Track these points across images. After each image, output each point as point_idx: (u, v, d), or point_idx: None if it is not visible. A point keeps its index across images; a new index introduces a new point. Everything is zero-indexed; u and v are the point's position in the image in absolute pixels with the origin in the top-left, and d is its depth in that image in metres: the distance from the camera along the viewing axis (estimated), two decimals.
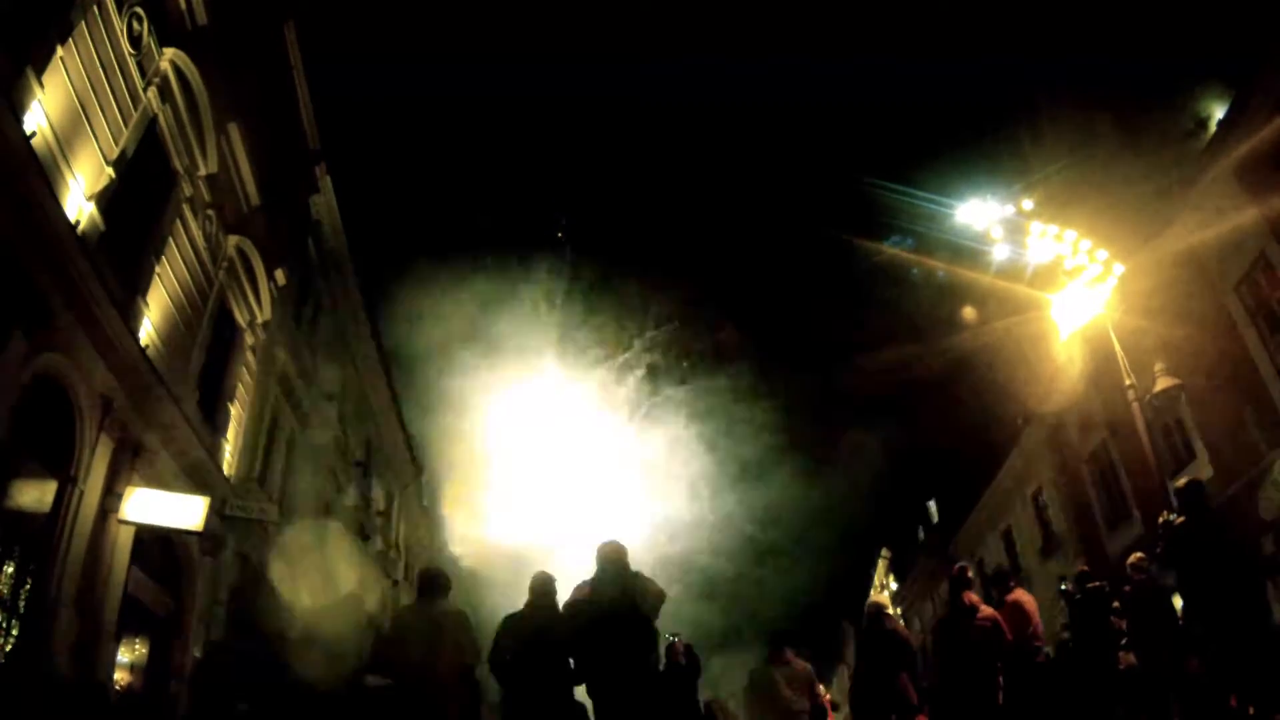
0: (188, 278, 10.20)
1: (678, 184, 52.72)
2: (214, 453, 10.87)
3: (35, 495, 7.26)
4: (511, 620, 5.21)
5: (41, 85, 6.61)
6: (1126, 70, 16.43)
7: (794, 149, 52.23)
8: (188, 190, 9.93)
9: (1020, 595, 7.34)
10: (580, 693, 5.12)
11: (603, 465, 25.14)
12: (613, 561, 5.13)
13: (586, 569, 5.27)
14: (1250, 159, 10.70)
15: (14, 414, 6.51)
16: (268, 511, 11.50)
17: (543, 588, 5.23)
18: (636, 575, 5.11)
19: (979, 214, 10.72)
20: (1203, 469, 12.31)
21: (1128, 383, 9.59)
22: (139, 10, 8.30)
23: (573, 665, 4.94)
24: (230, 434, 11.85)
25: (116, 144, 8.03)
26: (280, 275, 13.47)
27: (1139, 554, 7.40)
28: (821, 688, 9.84)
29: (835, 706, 13.57)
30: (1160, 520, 7.27)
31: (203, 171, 10.34)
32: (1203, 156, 11.96)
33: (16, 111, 6.21)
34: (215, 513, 9.62)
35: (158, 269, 9.29)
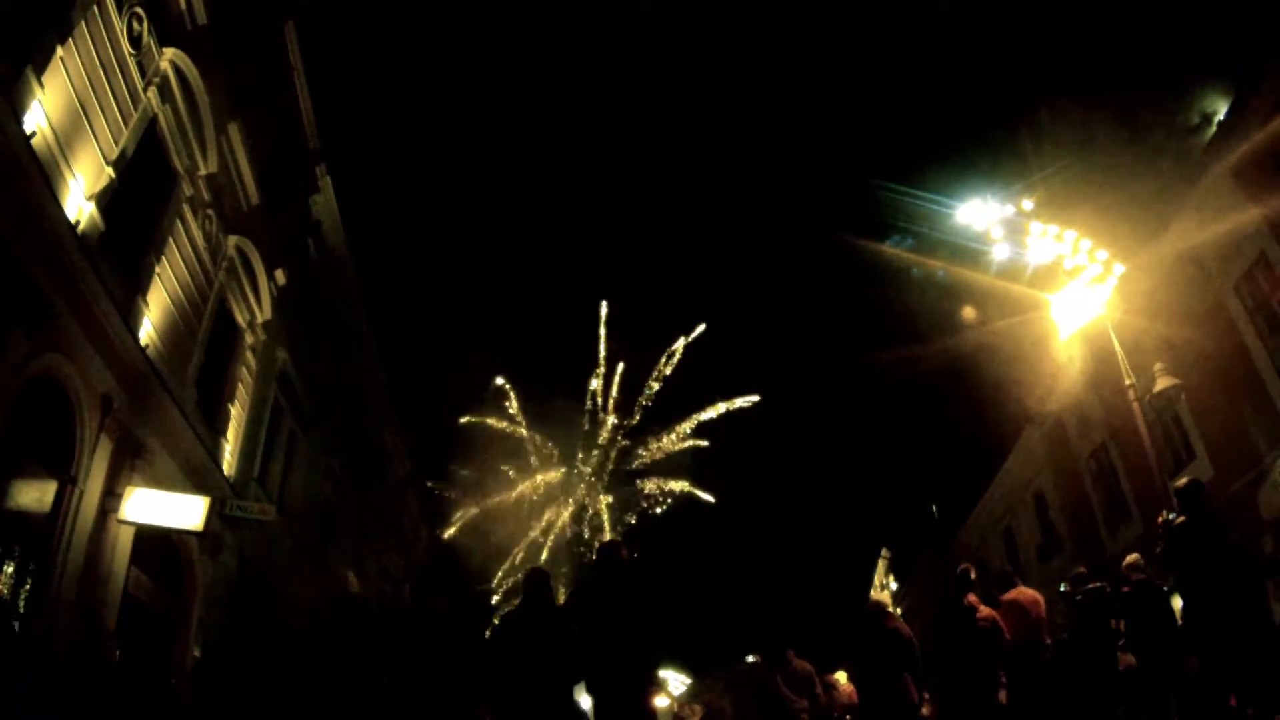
0: (188, 278, 10.20)
1: (677, 182, 52.73)
2: (214, 453, 10.87)
3: (35, 495, 7.26)
4: (507, 620, 5.21)
5: (41, 85, 6.62)
6: (1127, 70, 16.44)
7: (795, 149, 52.24)
8: (188, 190, 9.93)
9: (1018, 593, 7.33)
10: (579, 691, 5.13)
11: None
12: (613, 560, 5.14)
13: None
14: (1250, 159, 10.69)
15: (14, 414, 6.52)
16: (268, 511, 11.50)
17: (536, 585, 5.22)
18: (636, 579, 5.11)
19: (979, 214, 10.70)
20: (1203, 469, 12.31)
21: (1128, 383, 9.58)
22: (139, 10, 8.30)
23: (571, 664, 4.94)
24: (230, 434, 11.85)
25: (116, 144, 8.04)
26: (280, 275, 13.48)
27: (1135, 555, 7.40)
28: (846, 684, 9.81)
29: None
30: (1160, 520, 7.26)
31: (203, 171, 10.34)
32: (1203, 156, 11.96)
33: (16, 111, 6.21)
34: (215, 513, 9.62)
35: (158, 269, 9.29)
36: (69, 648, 7.32)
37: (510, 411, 22.88)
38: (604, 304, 23.04)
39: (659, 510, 22.91)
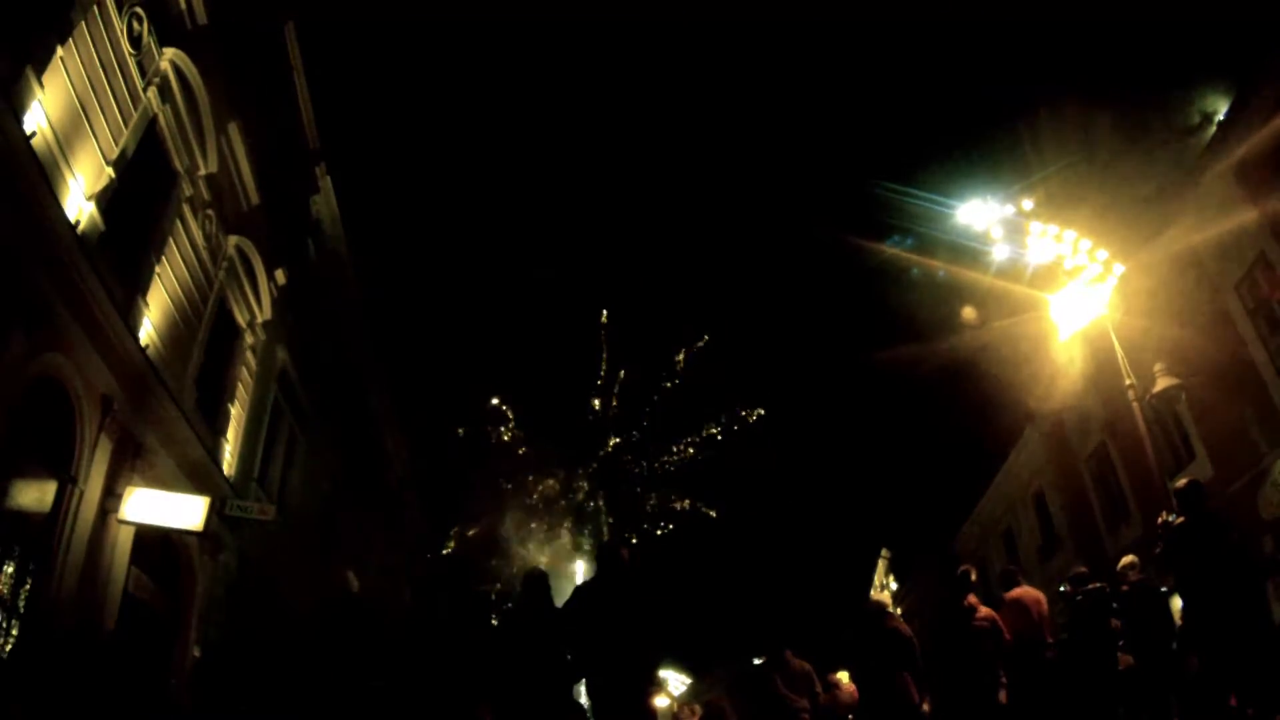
0: (188, 278, 10.20)
1: (678, 182, 52.70)
2: (214, 453, 10.87)
3: (35, 495, 7.26)
4: (506, 620, 5.23)
5: (41, 85, 6.62)
6: (1127, 70, 16.46)
7: (794, 149, 52.23)
8: (188, 190, 9.93)
9: (1020, 593, 7.34)
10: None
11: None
12: (613, 562, 5.15)
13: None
14: (1250, 159, 10.70)
15: (14, 414, 6.52)
16: (267, 511, 11.50)
17: (535, 585, 5.23)
18: (637, 579, 5.12)
19: (979, 214, 10.71)
20: (1203, 469, 12.32)
21: (1128, 383, 9.59)
22: (139, 10, 8.30)
23: (571, 664, 4.94)
24: (230, 434, 11.85)
25: (116, 144, 8.04)
26: (280, 275, 13.48)
27: (1130, 556, 7.41)
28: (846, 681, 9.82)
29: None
30: (1160, 520, 7.28)
31: (203, 171, 10.34)
32: (1203, 156, 11.97)
33: (16, 111, 6.21)
34: (215, 513, 9.62)
35: (158, 269, 9.29)
36: (69, 648, 7.32)
37: (505, 435, 22.77)
38: (604, 312, 22.97)
39: (659, 533, 22.82)
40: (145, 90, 8.60)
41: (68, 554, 7.43)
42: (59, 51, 6.88)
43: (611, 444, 22.55)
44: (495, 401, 22.18)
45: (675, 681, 33.15)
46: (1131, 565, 7.10)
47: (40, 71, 6.60)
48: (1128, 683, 7.01)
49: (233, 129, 11.33)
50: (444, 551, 23.04)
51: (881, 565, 38.91)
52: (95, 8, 7.35)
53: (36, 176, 6.40)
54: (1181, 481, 6.15)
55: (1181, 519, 5.81)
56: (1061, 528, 19.15)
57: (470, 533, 22.39)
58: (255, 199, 12.46)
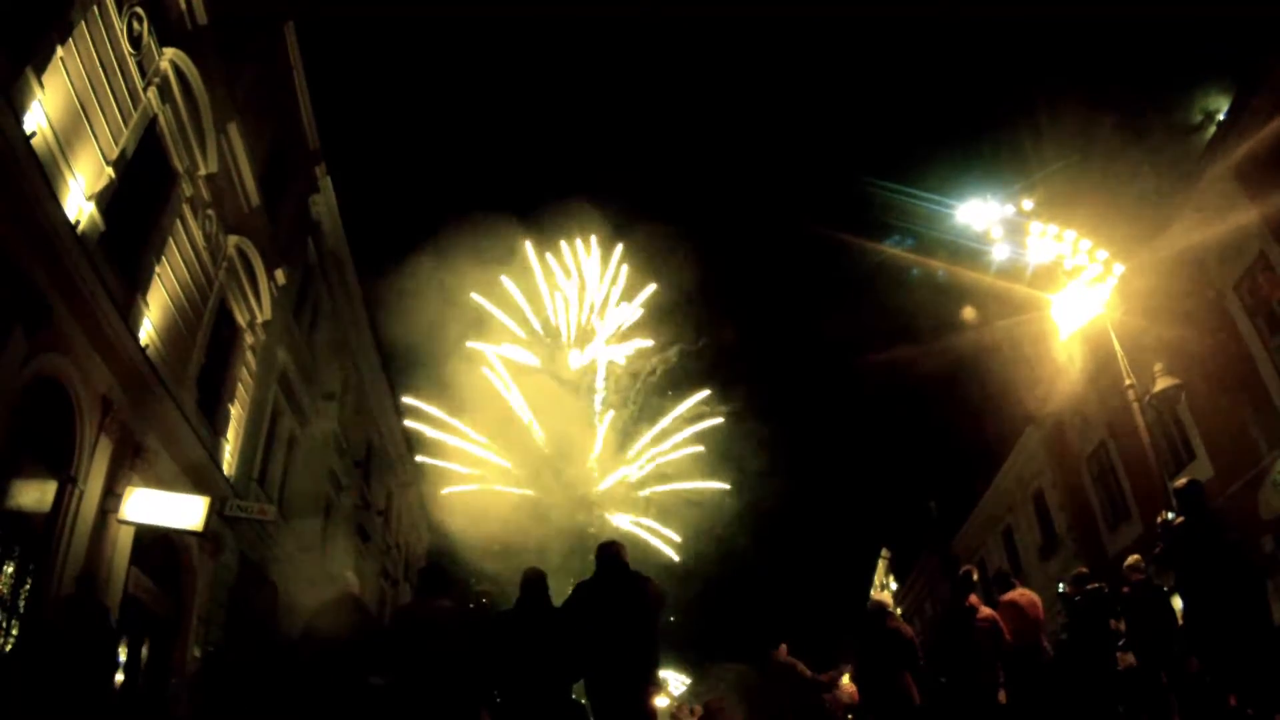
0: (188, 278, 10.20)
1: (677, 183, 52.72)
2: (214, 453, 10.87)
3: (35, 495, 7.26)
4: (503, 618, 5.21)
5: (41, 85, 6.62)
6: (1128, 69, 16.45)
7: (793, 148, 52.24)
8: (188, 190, 9.93)
9: (1017, 595, 7.33)
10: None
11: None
12: (612, 561, 5.13)
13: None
14: (1251, 159, 10.69)
15: (14, 414, 6.52)
16: (267, 511, 11.50)
17: (533, 585, 5.21)
18: (636, 575, 5.10)
19: (979, 214, 10.71)
20: (1203, 469, 12.31)
21: (1128, 383, 9.58)
22: (139, 10, 8.30)
23: (569, 664, 4.93)
24: (230, 434, 11.85)
25: (116, 144, 8.04)
26: (280, 275, 13.48)
27: (1135, 555, 7.41)
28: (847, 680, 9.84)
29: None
30: (1159, 520, 7.27)
31: (203, 171, 10.34)
32: (1203, 156, 11.96)
33: (16, 111, 6.21)
34: (215, 513, 9.62)
35: (158, 269, 9.29)
36: (68, 648, 7.32)
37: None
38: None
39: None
40: (145, 90, 8.60)
41: (68, 554, 7.43)
42: (59, 51, 6.88)
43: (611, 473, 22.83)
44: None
45: (675, 681, 33.18)
46: (1136, 565, 7.09)
47: (40, 71, 6.60)
48: (1128, 683, 7.01)
49: (233, 129, 11.33)
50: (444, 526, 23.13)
51: (881, 565, 38.92)
52: (95, 8, 7.35)
53: (36, 176, 6.40)
54: (1181, 481, 6.13)
55: (1181, 519, 5.79)
56: (1061, 527, 19.14)
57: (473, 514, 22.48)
58: (255, 199, 12.45)
